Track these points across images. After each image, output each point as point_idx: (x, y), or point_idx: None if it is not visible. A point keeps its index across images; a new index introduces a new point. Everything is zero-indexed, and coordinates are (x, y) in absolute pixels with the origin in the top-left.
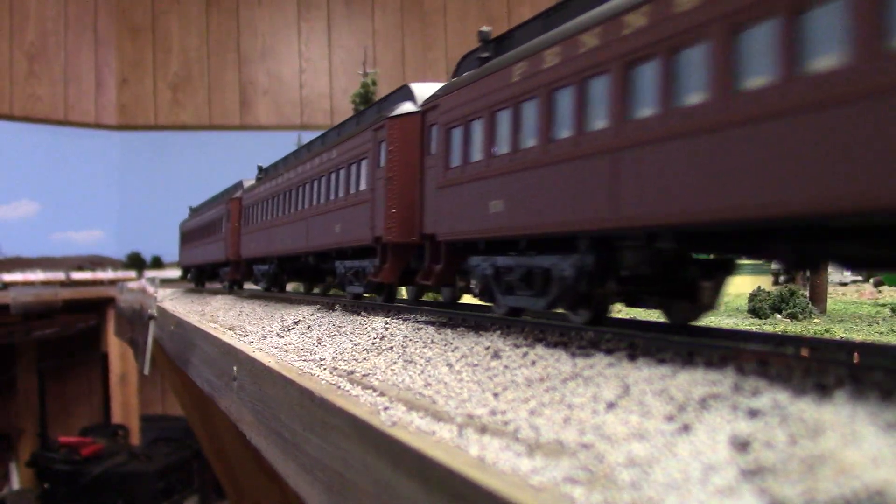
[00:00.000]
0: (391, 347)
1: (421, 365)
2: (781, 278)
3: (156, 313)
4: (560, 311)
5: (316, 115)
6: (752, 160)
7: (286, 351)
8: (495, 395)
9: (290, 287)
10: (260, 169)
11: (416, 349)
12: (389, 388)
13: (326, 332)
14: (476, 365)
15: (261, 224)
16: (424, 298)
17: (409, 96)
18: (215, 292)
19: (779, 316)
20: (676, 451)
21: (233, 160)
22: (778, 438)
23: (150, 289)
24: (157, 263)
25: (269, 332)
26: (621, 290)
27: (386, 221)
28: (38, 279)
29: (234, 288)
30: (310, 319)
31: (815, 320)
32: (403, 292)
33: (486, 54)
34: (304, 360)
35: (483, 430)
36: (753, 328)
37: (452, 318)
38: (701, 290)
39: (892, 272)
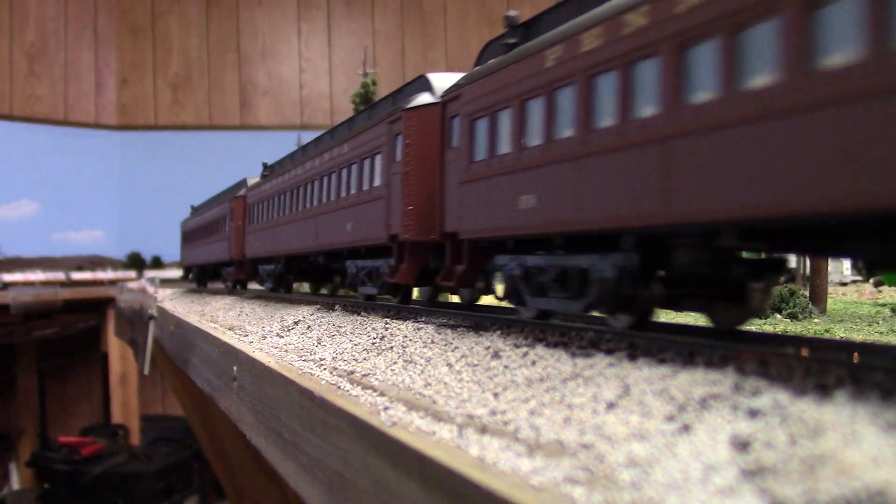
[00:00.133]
0: (391, 347)
1: (421, 365)
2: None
3: (156, 313)
4: (597, 314)
5: (316, 115)
6: (842, 146)
7: (286, 351)
8: (495, 395)
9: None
10: (265, 166)
11: (416, 349)
12: (389, 388)
13: (326, 332)
14: (476, 365)
15: (266, 222)
16: (439, 299)
17: (427, 87)
18: (215, 292)
19: (779, 316)
20: (677, 452)
21: (233, 160)
22: (778, 438)
23: (150, 289)
24: (157, 263)
25: (269, 332)
26: (668, 292)
27: (403, 219)
28: (38, 279)
29: (236, 287)
30: (310, 319)
31: (815, 320)
32: (414, 292)
33: (512, 40)
34: (304, 360)
35: (483, 430)
36: (753, 328)
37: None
38: (750, 291)
39: None
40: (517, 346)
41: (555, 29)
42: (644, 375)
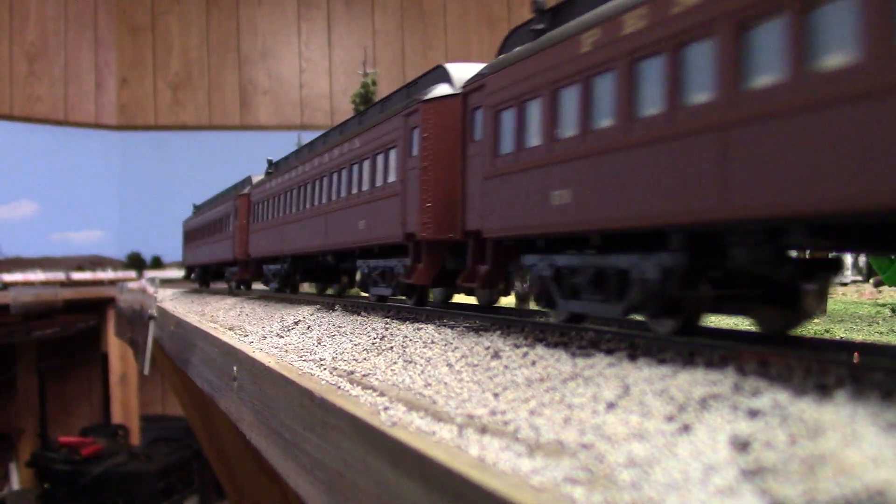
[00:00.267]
0: (391, 347)
1: (421, 365)
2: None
3: (156, 313)
4: (638, 318)
5: (316, 115)
6: None
7: (286, 351)
8: (495, 395)
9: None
10: (270, 163)
11: (416, 349)
12: (389, 389)
13: (326, 332)
14: (476, 365)
15: (272, 221)
16: (454, 300)
17: (445, 77)
18: (215, 292)
19: None
20: (677, 452)
21: (233, 160)
22: (778, 438)
23: (150, 289)
24: (158, 263)
25: (269, 332)
26: (717, 294)
27: (420, 216)
28: (38, 279)
29: (240, 287)
30: (310, 319)
31: (815, 320)
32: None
33: (540, 26)
34: (304, 360)
35: (483, 430)
36: (753, 328)
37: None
38: (803, 294)
39: None
40: (517, 347)
41: (589, 12)
42: (644, 375)
